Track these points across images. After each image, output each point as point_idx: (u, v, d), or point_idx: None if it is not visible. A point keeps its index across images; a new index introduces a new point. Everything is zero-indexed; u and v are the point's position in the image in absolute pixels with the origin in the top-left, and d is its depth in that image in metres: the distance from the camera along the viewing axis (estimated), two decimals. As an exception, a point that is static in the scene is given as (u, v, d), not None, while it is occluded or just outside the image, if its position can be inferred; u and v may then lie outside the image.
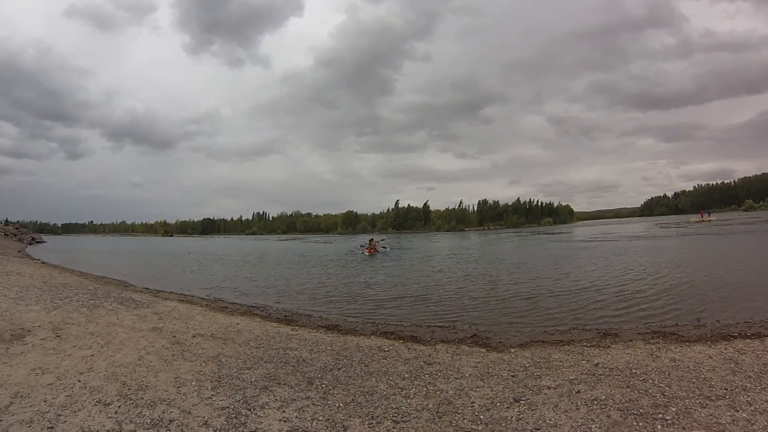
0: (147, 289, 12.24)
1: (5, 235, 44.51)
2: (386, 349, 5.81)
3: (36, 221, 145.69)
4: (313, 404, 3.83)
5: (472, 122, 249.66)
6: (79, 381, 4.00)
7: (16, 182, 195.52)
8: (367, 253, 27.51)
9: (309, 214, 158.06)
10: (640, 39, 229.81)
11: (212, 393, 3.99)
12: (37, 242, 49.99)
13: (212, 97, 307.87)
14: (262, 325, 7.49)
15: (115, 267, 21.98)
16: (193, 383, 4.20)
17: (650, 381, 4.21)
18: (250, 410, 3.64)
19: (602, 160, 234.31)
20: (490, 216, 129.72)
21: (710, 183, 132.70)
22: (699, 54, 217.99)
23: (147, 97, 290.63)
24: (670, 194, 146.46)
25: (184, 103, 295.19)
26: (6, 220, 62.43)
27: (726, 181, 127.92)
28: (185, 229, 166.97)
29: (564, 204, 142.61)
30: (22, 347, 4.80)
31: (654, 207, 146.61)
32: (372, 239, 32.36)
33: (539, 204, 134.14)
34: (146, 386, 4.03)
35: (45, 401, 3.60)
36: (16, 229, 55.05)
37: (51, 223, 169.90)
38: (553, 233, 56.69)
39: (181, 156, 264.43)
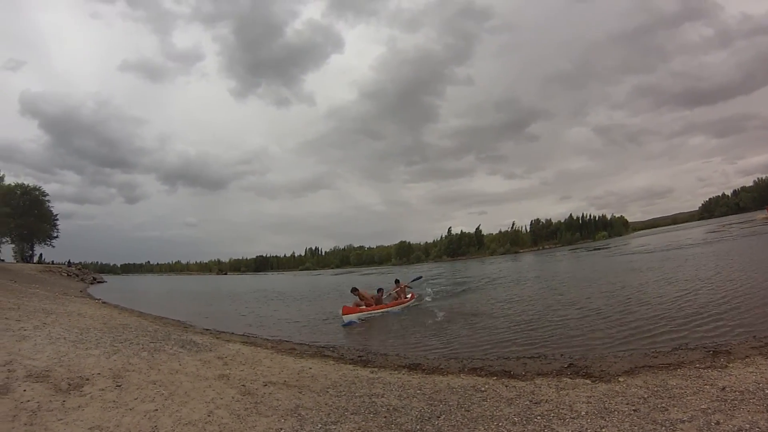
0: (207, 330, 12.06)
1: (68, 275, 46.78)
2: (483, 389, 5.29)
3: (97, 262, 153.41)
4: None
5: (519, 141, 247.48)
6: (143, 444, 3.53)
7: (78, 226, 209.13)
8: (345, 319, 13.27)
9: (362, 247, 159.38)
10: (678, 34, 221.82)
11: (298, 458, 3.42)
12: (98, 282, 52.34)
13: (260, 136, 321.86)
14: (337, 368, 6.99)
15: (173, 306, 22.36)
16: (274, 445, 3.65)
17: (791, 402, 3.80)
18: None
19: (653, 165, 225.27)
20: (544, 235, 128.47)
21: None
22: (740, 41, 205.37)
23: (198, 141, 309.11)
24: (729, 192, 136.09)
25: (234, 144, 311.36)
26: (69, 262, 65.89)
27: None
28: (239, 266, 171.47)
29: (617, 215, 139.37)
30: (80, 399, 4.43)
31: (713, 208, 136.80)
32: (397, 281, 18.83)
33: (592, 218, 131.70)
34: (220, 451, 3.50)
35: (104, 471, 3.13)
36: (79, 269, 57.91)
37: (111, 264, 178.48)
38: (609, 247, 55.57)
39: (232, 195, 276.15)
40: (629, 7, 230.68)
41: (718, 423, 3.54)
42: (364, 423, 4.27)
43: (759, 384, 4.37)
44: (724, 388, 4.37)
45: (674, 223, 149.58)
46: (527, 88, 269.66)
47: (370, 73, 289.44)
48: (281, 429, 4.04)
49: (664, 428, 3.62)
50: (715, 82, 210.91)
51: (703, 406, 3.95)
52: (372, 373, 6.63)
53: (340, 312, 13.81)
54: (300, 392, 5.36)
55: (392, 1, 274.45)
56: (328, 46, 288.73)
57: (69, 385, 4.84)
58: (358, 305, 14.94)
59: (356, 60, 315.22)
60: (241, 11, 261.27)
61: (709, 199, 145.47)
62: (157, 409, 4.34)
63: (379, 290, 17.02)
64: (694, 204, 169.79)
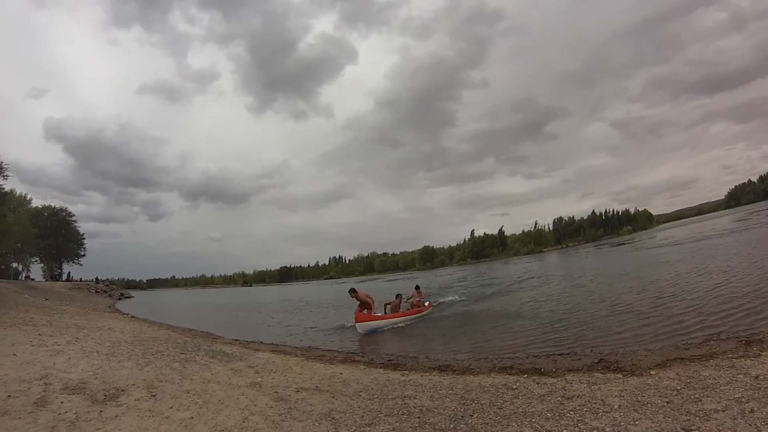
0: (236, 340, 12.18)
1: (96, 292, 47.77)
2: (514, 387, 5.29)
3: (124, 278, 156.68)
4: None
5: (537, 140, 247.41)
6: (181, 450, 3.56)
7: (105, 244, 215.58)
8: (360, 329, 12.94)
9: (386, 254, 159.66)
10: (690, 22, 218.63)
11: (336, 460, 3.44)
12: (125, 297, 53.54)
13: (280, 150, 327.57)
14: (368, 372, 7.00)
15: (201, 319, 22.59)
16: (310, 449, 3.67)
17: (824, 387, 3.82)
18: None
19: (674, 156, 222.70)
20: (567, 233, 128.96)
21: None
22: (754, 22, 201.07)
23: (218, 157, 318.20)
24: (755, 179, 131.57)
25: (254, 158, 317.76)
26: (96, 279, 67.36)
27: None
28: (263, 278, 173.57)
29: (641, 209, 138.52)
30: (117, 409, 4.49)
31: (740, 196, 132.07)
32: (417, 287, 17.54)
33: (615, 213, 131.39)
34: (257, 455, 3.52)
35: (146, 478, 3.16)
36: (107, 286, 59.34)
37: (137, 280, 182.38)
38: (635, 241, 55.77)
39: (254, 209, 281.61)
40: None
41: (752, 411, 3.55)
42: (398, 424, 4.27)
43: (792, 371, 4.38)
44: (757, 377, 4.37)
45: (700, 214, 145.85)
46: (543, 87, 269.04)
47: (385, 82, 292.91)
48: (317, 433, 4.04)
49: (697, 418, 3.60)
50: (733, 67, 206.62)
51: (736, 395, 3.96)
52: (403, 375, 6.63)
53: (354, 319, 13.30)
54: (333, 397, 5.37)
55: (403, 10, 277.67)
56: (341, 57, 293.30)
57: (105, 396, 4.91)
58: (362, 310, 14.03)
59: (371, 70, 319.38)
60: (254, 29, 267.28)
61: (735, 186, 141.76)
62: (192, 417, 4.38)
63: (398, 296, 16.31)
64: (720, 193, 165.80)
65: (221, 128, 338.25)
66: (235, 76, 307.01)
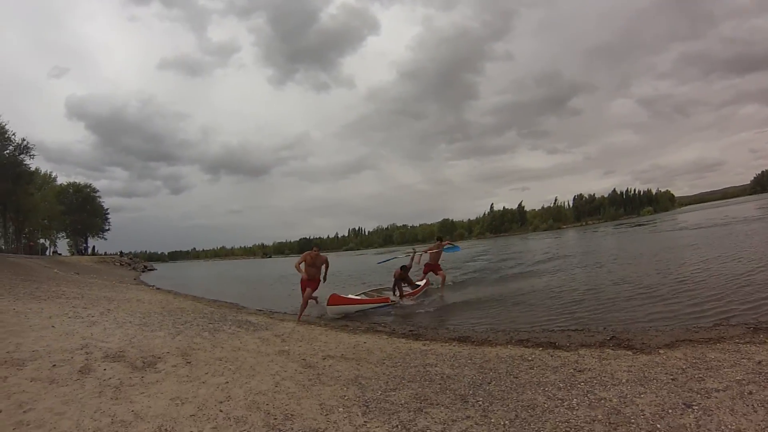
0: (260, 310, 12.52)
1: (121, 265, 49.12)
2: (529, 358, 5.52)
3: (146, 251, 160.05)
4: (476, 424, 3.57)
5: (561, 115, 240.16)
6: (221, 411, 3.85)
7: (128, 218, 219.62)
8: (330, 313, 11.13)
9: (405, 226, 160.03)
10: None
11: (364, 419, 3.74)
12: (149, 270, 54.87)
13: (301, 122, 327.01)
14: (390, 342, 7.23)
15: (223, 290, 22.95)
16: (341, 409, 3.97)
17: (823, 377, 3.96)
18: (412, 435, 3.37)
19: (701, 136, 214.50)
20: (587, 211, 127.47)
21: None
22: None
23: (239, 130, 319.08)
24: None
25: (275, 130, 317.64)
26: (120, 252, 68.98)
27: None
28: (283, 250, 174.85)
29: (663, 190, 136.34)
30: (156, 375, 4.79)
31: (766, 182, 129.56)
32: (439, 238, 15.76)
33: (637, 193, 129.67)
34: (292, 415, 3.81)
35: (192, 435, 3.44)
36: (130, 259, 60.81)
37: (159, 252, 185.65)
38: (655, 223, 54.93)
39: (275, 181, 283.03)
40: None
41: (750, 393, 3.72)
42: (420, 389, 4.50)
43: (794, 359, 4.53)
44: (760, 362, 4.50)
45: (724, 198, 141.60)
46: (568, 61, 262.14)
47: (408, 54, 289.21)
48: (345, 396, 4.30)
49: (699, 395, 3.78)
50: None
51: (738, 378, 4.10)
52: (424, 345, 6.84)
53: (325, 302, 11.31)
54: (358, 364, 5.62)
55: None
56: (364, 28, 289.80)
57: (143, 363, 5.22)
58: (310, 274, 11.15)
59: (393, 41, 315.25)
60: (275, 1, 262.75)
61: (762, 172, 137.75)
62: (227, 382, 4.65)
63: (403, 268, 13.46)
64: (746, 177, 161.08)
65: (242, 101, 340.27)
66: (256, 49, 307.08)
